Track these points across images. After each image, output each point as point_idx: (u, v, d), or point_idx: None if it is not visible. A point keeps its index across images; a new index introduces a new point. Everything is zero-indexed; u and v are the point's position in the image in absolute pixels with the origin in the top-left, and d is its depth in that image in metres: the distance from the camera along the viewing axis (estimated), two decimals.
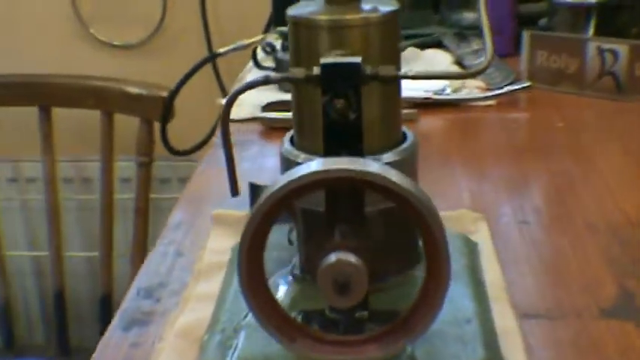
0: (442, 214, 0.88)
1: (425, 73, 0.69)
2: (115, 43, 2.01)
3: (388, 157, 0.76)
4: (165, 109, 1.53)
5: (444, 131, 1.21)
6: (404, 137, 0.80)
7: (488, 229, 0.90)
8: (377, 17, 0.74)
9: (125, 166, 1.93)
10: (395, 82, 0.68)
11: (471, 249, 0.85)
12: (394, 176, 0.63)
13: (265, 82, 0.68)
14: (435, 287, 0.65)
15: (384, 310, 0.72)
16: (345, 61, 0.66)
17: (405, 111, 1.20)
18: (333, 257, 0.63)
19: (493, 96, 1.26)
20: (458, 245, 0.85)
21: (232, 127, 1.18)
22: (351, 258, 0.63)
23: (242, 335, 0.71)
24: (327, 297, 0.63)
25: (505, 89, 1.27)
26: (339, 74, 0.66)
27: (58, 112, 1.87)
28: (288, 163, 0.76)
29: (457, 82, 1.27)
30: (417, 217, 0.64)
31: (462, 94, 1.24)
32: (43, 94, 1.86)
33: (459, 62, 1.35)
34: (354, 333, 0.69)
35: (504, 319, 0.75)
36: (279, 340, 0.67)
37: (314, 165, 0.63)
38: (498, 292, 0.79)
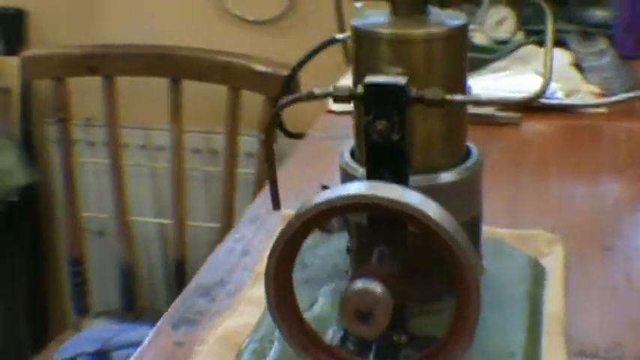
0: (515, 232, 0.86)
1: (474, 97, 0.66)
2: (249, 18, 2.02)
3: (446, 176, 0.74)
4: (281, 89, 1.52)
5: (547, 138, 1.16)
6: (468, 153, 0.77)
7: (563, 253, 0.86)
8: (441, 32, 0.71)
9: (250, 141, 1.95)
10: (442, 104, 0.65)
11: (537, 274, 0.81)
12: (420, 205, 0.60)
13: (309, 97, 0.67)
14: (463, 325, 0.62)
15: (424, 335, 0.70)
16: (389, 82, 0.64)
17: (507, 114, 1.16)
18: (359, 284, 0.62)
19: (605, 103, 1.20)
20: (522, 269, 0.81)
21: (336, 119, 1.17)
22: (377, 288, 0.61)
23: (275, 347, 0.71)
24: (347, 323, 0.62)
25: (620, 96, 1.20)
26: (382, 95, 0.64)
27: (188, 84, 1.90)
28: (345, 176, 0.74)
29: (570, 85, 1.22)
30: (445, 249, 0.61)
31: (572, 99, 1.19)
32: (173, 67, 1.90)
33: (576, 64, 1.29)
34: (389, 357, 0.67)
35: (553, 356, 0.71)
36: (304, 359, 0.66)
37: (331, 192, 0.61)
38: (555, 325, 0.75)
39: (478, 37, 1.36)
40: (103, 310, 2.09)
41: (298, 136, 1.73)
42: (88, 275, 2.02)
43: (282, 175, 1.09)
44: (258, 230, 0.94)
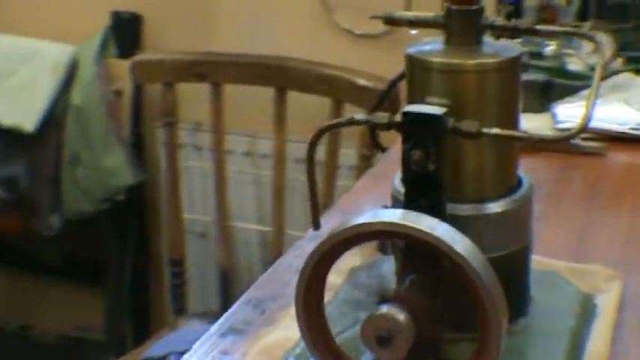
0: (574, 265, 0.85)
1: (508, 132, 0.66)
2: (357, 32, 2.04)
3: (494, 206, 0.74)
4: (376, 104, 1.54)
5: (629, 171, 1.14)
6: (520, 184, 0.77)
7: (620, 291, 0.84)
8: (493, 63, 0.71)
9: (350, 154, 1.97)
10: (478, 137, 0.65)
11: (586, 310, 0.80)
12: (448, 238, 0.61)
13: (349, 123, 0.68)
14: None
15: None
16: (426, 112, 0.65)
17: (592, 144, 1.15)
18: (382, 309, 0.62)
19: None
20: (571, 303, 0.80)
21: None
22: (399, 315, 0.62)
23: None
24: (368, 346, 0.63)
25: None
26: (419, 125, 0.65)
27: (293, 95, 1.93)
28: (394, 201, 0.75)
29: None
30: (470, 286, 0.61)
31: None
32: (280, 77, 1.93)
33: None
34: None
35: None
36: None
37: (363, 217, 0.62)
38: None
39: (573, 63, 1.34)
40: (201, 311, 2.14)
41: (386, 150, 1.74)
42: (188, 276, 2.08)
43: (358, 188, 1.11)
44: None
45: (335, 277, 0.87)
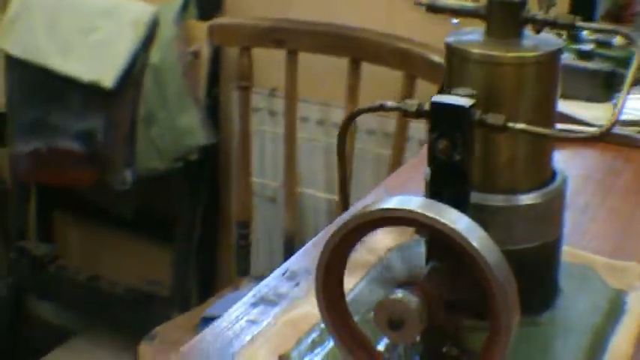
0: (609, 261, 0.85)
1: (533, 128, 0.66)
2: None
3: (525, 198, 0.74)
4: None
5: None
6: (554, 177, 0.77)
7: None
8: (532, 56, 0.71)
9: (420, 128, 1.97)
10: (504, 130, 0.65)
11: (614, 307, 0.80)
12: (465, 231, 0.61)
13: (380, 108, 0.69)
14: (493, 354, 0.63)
15: (476, 351, 0.71)
16: (454, 103, 0.65)
17: None
18: (397, 293, 0.64)
19: None
20: (600, 300, 0.80)
21: None
22: (412, 300, 0.63)
23: (328, 342, 0.74)
24: (380, 328, 0.64)
25: None
26: (446, 115, 0.66)
27: (367, 66, 1.94)
28: (426, 187, 0.76)
29: None
30: (483, 279, 0.62)
31: None
32: (355, 48, 1.94)
33: None
34: None
35: None
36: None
37: (382, 203, 0.63)
38: None
39: None
40: (263, 274, 2.17)
41: None
42: (253, 238, 2.11)
43: (406, 168, 1.12)
44: None
45: (370, 256, 0.89)
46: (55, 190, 2.40)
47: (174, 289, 2.27)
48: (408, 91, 1.90)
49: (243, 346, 0.77)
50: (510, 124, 0.65)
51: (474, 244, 0.61)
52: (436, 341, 0.68)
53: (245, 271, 2.11)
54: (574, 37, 1.32)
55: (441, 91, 0.72)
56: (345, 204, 0.76)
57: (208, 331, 0.81)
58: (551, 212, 0.76)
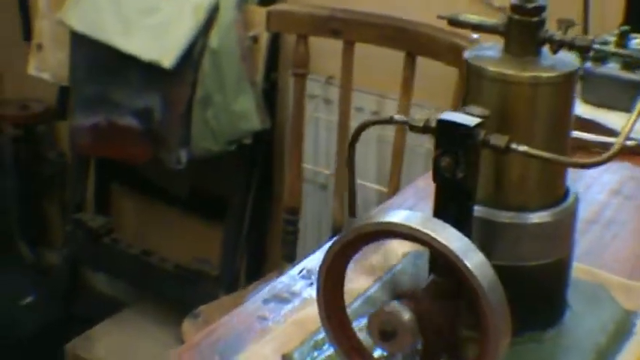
0: (624, 281, 0.85)
1: (535, 152, 0.66)
2: (495, 3, 2.02)
3: (534, 216, 0.75)
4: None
5: None
6: (566, 196, 0.78)
7: None
8: (547, 77, 0.72)
9: None
10: (507, 152, 0.66)
11: (620, 329, 0.80)
12: (459, 250, 0.62)
13: (388, 121, 0.70)
14: None
15: None
16: (459, 121, 0.66)
17: None
18: (390, 305, 0.65)
19: None
20: (607, 320, 0.80)
21: None
22: (405, 314, 0.64)
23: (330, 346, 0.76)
24: (372, 337, 0.65)
25: None
26: (451, 133, 0.66)
27: (422, 60, 1.94)
28: None
29: None
30: (476, 300, 0.63)
31: None
32: (411, 41, 1.94)
33: None
34: None
35: None
36: None
37: (382, 216, 0.65)
38: None
39: None
40: None
41: None
42: (302, 225, 2.13)
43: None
44: None
45: (390, 259, 0.90)
46: (114, 164, 2.45)
47: (222, 269, 2.30)
48: (461, 85, 1.89)
49: (249, 343, 0.79)
50: (513, 146, 0.66)
51: (469, 265, 0.62)
52: (435, 351, 0.69)
53: (291, 257, 2.13)
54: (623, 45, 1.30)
55: (457, 107, 0.73)
56: (351, 211, 0.77)
57: (220, 324, 0.83)
58: (561, 231, 0.77)
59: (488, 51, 0.75)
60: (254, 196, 2.29)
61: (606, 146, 1.13)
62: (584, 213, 1.01)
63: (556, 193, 0.76)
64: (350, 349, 0.70)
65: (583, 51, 0.71)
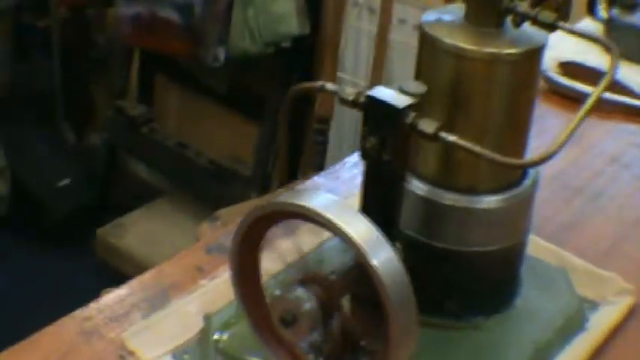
0: (591, 268, 0.80)
1: (466, 144, 0.60)
2: None
3: (487, 200, 0.69)
4: None
5: None
6: (524, 176, 0.72)
7: (628, 307, 0.78)
8: (506, 54, 0.65)
9: None
10: (435, 139, 0.60)
11: (570, 324, 0.74)
12: (367, 245, 0.57)
13: (320, 89, 0.65)
14: None
15: None
16: (387, 101, 0.60)
17: None
18: (294, 291, 0.61)
19: None
20: (556, 313, 0.75)
21: None
22: (306, 302, 0.60)
23: None
24: (274, 322, 0.62)
25: None
26: (379, 112, 0.61)
27: None
28: None
29: None
30: (382, 299, 0.58)
31: None
32: None
33: None
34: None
35: None
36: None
37: (291, 195, 0.60)
38: None
39: None
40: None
41: None
42: (332, 135, 2.09)
43: None
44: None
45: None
46: (160, 55, 2.42)
47: (254, 171, 2.28)
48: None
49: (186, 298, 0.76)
50: (442, 135, 0.60)
51: (374, 262, 0.57)
52: (355, 335, 0.65)
53: (320, 166, 2.10)
54: None
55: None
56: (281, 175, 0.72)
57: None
58: (512, 218, 0.71)
59: (447, 15, 0.68)
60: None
61: (618, 105, 1.07)
62: (573, 180, 0.95)
63: (510, 175, 0.70)
64: (262, 324, 0.66)
65: (547, 28, 0.64)
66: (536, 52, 0.66)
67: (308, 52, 2.20)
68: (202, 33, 2.11)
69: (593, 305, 0.78)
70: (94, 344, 0.70)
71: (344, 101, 0.63)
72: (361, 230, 0.58)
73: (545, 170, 0.90)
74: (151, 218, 2.46)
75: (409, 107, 0.60)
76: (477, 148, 0.59)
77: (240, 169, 2.35)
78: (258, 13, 2.05)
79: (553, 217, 0.89)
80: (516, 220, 0.71)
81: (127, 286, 0.76)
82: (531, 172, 0.72)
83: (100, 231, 2.39)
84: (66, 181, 2.47)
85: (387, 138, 0.61)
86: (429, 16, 0.68)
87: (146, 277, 0.78)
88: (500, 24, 0.66)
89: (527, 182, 0.71)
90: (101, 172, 2.58)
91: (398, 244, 0.65)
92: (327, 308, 0.61)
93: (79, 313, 0.73)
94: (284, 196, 0.61)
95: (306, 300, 0.60)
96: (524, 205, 0.71)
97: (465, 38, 0.66)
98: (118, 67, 2.50)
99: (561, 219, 0.89)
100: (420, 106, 0.61)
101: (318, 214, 0.58)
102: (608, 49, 0.63)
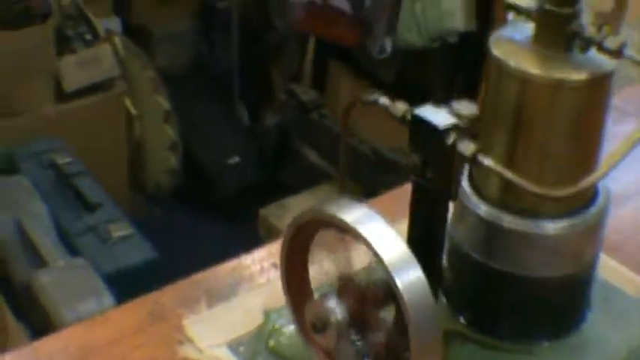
0: None
1: (502, 170, 0.59)
2: None
3: (547, 225, 0.67)
4: None
5: None
6: (594, 197, 0.70)
7: None
8: (573, 79, 0.63)
9: None
10: (473, 162, 0.60)
11: (633, 357, 0.72)
12: (394, 267, 0.57)
13: (372, 102, 0.66)
14: None
15: None
16: (430, 121, 0.60)
17: None
18: (326, 300, 0.62)
19: None
20: (618, 346, 0.73)
21: None
22: (338, 313, 0.61)
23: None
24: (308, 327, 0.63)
25: None
26: (422, 131, 0.61)
27: None
28: None
29: None
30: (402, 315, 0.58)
31: None
32: None
33: None
34: None
35: None
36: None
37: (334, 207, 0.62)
38: None
39: None
40: None
41: None
42: None
43: None
44: None
45: None
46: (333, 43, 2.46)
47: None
48: None
49: (247, 290, 0.78)
50: (479, 158, 0.59)
51: (398, 282, 0.58)
52: (398, 349, 0.66)
53: None
54: None
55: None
56: (342, 189, 0.74)
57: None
58: (576, 245, 0.69)
59: (518, 35, 0.67)
60: (457, 97, 2.22)
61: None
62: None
63: (579, 199, 0.68)
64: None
65: (612, 55, 0.62)
66: (602, 79, 0.64)
67: (476, 48, 2.18)
68: (371, 24, 2.13)
69: None
70: (159, 327, 0.74)
71: (394, 117, 0.64)
72: (391, 248, 0.58)
73: None
74: (313, 202, 2.51)
75: (451, 129, 0.60)
76: (509, 174, 0.59)
77: (401, 159, 2.36)
78: (426, 6, 2.05)
79: None
80: (580, 247, 0.69)
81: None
82: (600, 197, 0.70)
83: (262, 211, 2.45)
84: (236, 159, 2.56)
85: (429, 157, 0.61)
86: (498, 34, 0.67)
87: (222, 268, 0.81)
88: (568, 49, 0.64)
89: (593, 209, 0.69)
90: (271, 153, 2.65)
91: (445, 262, 0.66)
92: (360, 319, 0.62)
93: (153, 295, 0.77)
94: (327, 205, 0.63)
95: (337, 309, 0.61)
96: (589, 232, 0.69)
97: (530, 61, 0.64)
98: (293, 52, 2.56)
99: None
100: (467, 129, 0.60)
101: (350, 227, 0.59)
102: None
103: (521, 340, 0.72)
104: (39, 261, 1.79)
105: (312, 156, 2.70)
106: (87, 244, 1.90)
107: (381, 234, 0.59)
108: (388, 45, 2.13)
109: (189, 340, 0.72)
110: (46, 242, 1.84)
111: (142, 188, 2.50)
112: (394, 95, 2.27)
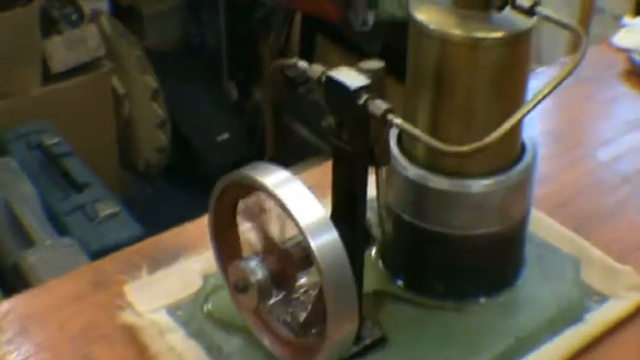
0: (606, 259, 0.78)
1: (411, 129, 0.59)
2: None
3: (477, 184, 0.69)
4: None
5: None
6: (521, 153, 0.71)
7: (638, 304, 0.75)
8: (494, 37, 0.64)
9: None
10: (383, 121, 0.60)
11: (566, 316, 0.73)
12: (311, 232, 0.58)
13: (292, 66, 0.67)
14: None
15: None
16: (342, 81, 0.61)
17: None
18: (248, 262, 0.63)
19: None
20: (553, 302, 0.73)
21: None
22: (258, 273, 0.62)
23: None
24: (229, 286, 0.65)
25: None
26: (336, 93, 0.62)
27: None
28: None
29: None
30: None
31: None
32: None
33: None
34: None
35: None
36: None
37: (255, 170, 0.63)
38: None
39: None
40: None
41: None
42: None
43: None
44: None
45: None
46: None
47: None
48: None
49: (189, 256, 0.79)
50: (389, 117, 0.60)
51: (312, 244, 0.58)
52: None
53: None
54: None
55: None
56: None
57: None
58: (502, 202, 0.70)
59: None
60: None
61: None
62: (625, 167, 0.91)
63: (504, 157, 0.70)
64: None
65: (525, 12, 0.63)
66: (520, 37, 0.65)
67: None
68: None
69: (602, 298, 0.75)
70: (100, 294, 0.75)
71: (312, 80, 0.65)
72: (307, 210, 0.59)
73: (600, 155, 0.88)
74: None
75: (362, 88, 0.61)
76: (417, 132, 0.59)
77: None
78: None
79: (595, 202, 0.86)
80: (506, 205, 0.70)
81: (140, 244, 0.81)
82: (526, 156, 0.71)
83: None
84: (225, 136, 2.57)
85: (343, 118, 0.62)
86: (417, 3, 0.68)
87: (165, 236, 0.82)
88: (487, 7, 0.65)
89: (519, 167, 0.70)
90: (260, 129, 2.65)
91: (368, 219, 0.66)
92: (281, 280, 0.63)
93: (96, 264, 0.79)
94: (249, 169, 0.64)
95: (257, 270, 0.62)
96: (515, 190, 0.70)
97: (449, 22, 0.65)
98: (280, 27, 2.55)
99: (600, 207, 0.86)
100: (375, 87, 0.61)
101: (268, 190, 0.60)
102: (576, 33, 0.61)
103: (456, 298, 0.73)
104: (27, 241, 1.80)
105: (304, 130, 2.70)
106: (75, 224, 1.91)
107: (298, 196, 0.60)
108: (370, 18, 2.13)
109: (130, 306, 0.73)
110: (35, 223, 1.85)
111: (133, 167, 2.51)
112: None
